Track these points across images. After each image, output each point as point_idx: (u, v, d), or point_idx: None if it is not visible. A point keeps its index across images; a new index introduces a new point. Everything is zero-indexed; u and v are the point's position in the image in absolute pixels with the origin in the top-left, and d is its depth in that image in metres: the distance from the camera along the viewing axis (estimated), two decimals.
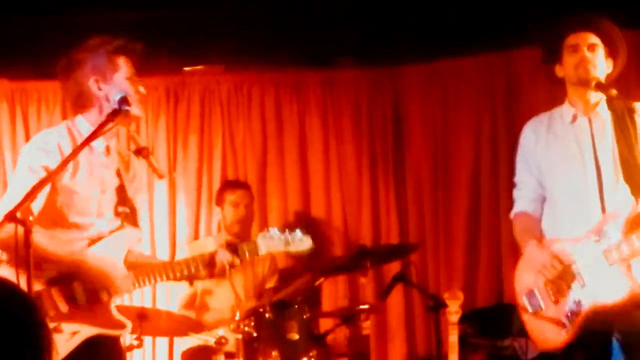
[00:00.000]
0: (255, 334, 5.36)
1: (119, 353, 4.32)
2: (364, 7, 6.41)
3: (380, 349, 7.07)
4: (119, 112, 4.01)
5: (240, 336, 5.35)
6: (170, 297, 6.66)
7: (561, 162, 4.57)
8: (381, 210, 7.27)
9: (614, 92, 4.42)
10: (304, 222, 7.11)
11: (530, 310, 4.56)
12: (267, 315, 5.42)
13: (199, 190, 7.17)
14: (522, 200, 4.74)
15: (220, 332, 5.38)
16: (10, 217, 3.60)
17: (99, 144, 4.14)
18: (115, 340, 4.22)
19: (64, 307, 4.01)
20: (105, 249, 4.14)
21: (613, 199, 4.41)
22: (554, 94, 4.87)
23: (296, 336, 5.43)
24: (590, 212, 4.43)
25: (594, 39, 4.52)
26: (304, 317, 5.53)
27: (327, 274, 6.41)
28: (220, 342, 5.33)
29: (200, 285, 6.38)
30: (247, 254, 4.39)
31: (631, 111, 4.45)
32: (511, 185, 4.89)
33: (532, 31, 5.94)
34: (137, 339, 5.43)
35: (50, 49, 5.34)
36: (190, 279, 4.46)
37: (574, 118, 4.57)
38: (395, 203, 7.28)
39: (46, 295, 3.97)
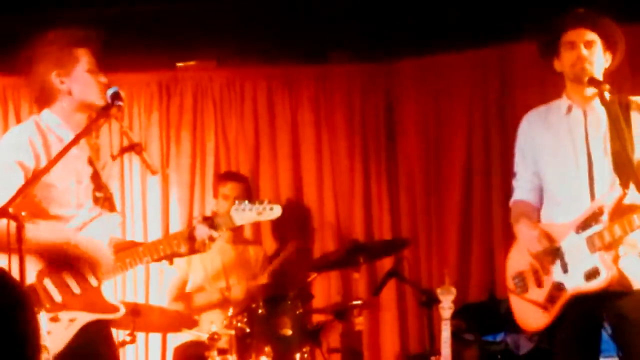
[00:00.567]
0: (248, 330, 5.37)
1: (111, 340, 4.36)
2: (358, 3, 6.42)
3: (373, 344, 7.06)
4: (111, 107, 4.01)
5: (233, 332, 5.35)
6: (163, 293, 6.65)
7: (554, 152, 4.60)
8: (373, 205, 7.27)
9: (607, 87, 4.43)
10: (297, 218, 7.12)
11: (516, 291, 4.62)
12: (260, 311, 5.43)
13: (192, 185, 7.16)
14: (520, 190, 4.79)
15: (213, 327, 5.38)
16: (2, 212, 3.60)
17: (67, 136, 4.12)
18: (106, 326, 4.25)
19: (58, 297, 4.01)
20: (88, 236, 4.14)
21: (603, 190, 4.45)
22: (547, 90, 4.89)
23: (289, 332, 5.43)
24: (581, 202, 4.47)
25: (591, 35, 4.53)
26: (297, 312, 5.53)
27: (320, 269, 6.41)
28: (213, 337, 5.33)
29: (190, 282, 6.37)
30: (223, 227, 4.49)
31: (627, 106, 4.47)
32: (504, 180, 4.93)
33: (526, 27, 5.97)
34: (129, 334, 5.44)
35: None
36: (172, 256, 4.48)
37: (569, 109, 4.59)
38: (387, 198, 7.28)
39: (40, 288, 3.98)
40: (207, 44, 6.88)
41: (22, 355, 1.91)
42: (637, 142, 4.41)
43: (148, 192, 7.07)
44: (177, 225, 7.04)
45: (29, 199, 3.96)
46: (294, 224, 7.10)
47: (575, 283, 4.42)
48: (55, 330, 3.97)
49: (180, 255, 4.48)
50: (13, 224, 3.60)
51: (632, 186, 4.31)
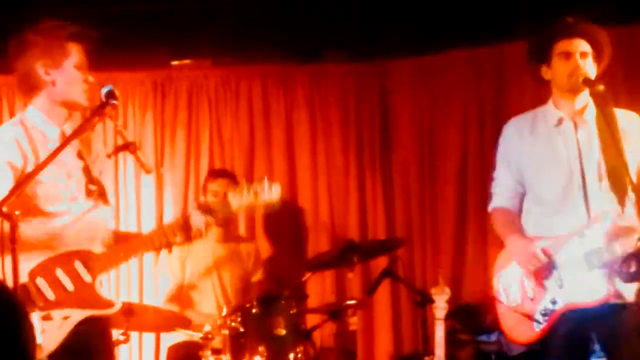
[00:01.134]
0: (242, 329, 5.36)
1: (108, 337, 4.34)
2: (353, 2, 6.41)
3: (367, 344, 7.07)
4: (106, 106, 3.99)
5: (227, 331, 5.34)
6: (157, 292, 6.64)
7: (546, 163, 4.59)
8: (368, 204, 7.27)
9: (601, 87, 4.43)
10: (291, 217, 7.12)
11: (506, 302, 4.60)
12: (254, 310, 5.42)
13: (186, 184, 7.16)
14: (500, 197, 4.78)
15: (207, 327, 5.37)
16: None
17: (51, 131, 4.11)
18: (105, 322, 4.22)
19: (51, 295, 4.00)
20: (82, 229, 4.12)
21: (598, 204, 4.44)
22: (542, 89, 4.87)
23: (283, 331, 5.43)
24: (575, 214, 4.48)
25: (585, 46, 4.52)
26: (291, 312, 5.52)
27: (315, 269, 6.41)
28: (207, 337, 5.32)
29: (186, 279, 6.36)
30: (220, 213, 4.39)
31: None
32: None
33: (522, 26, 5.97)
34: (123, 334, 5.42)
35: None
36: (169, 246, 4.45)
37: (560, 121, 4.58)
38: (382, 197, 7.28)
39: (32, 287, 3.96)
40: (202, 43, 6.87)
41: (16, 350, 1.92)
42: (630, 154, 4.40)
43: (142, 191, 7.06)
44: None
45: (21, 198, 3.89)
46: (288, 222, 7.10)
47: (570, 298, 4.42)
48: (48, 329, 3.95)
49: (177, 244, 4.44)
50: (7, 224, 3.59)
51: (627, 206, 4.34)
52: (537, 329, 4.50)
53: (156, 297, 6.51)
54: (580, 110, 4.56)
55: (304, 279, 6.32)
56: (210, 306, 6.29)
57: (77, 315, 4.04)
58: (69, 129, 4.20)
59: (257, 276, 6.51)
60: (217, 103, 7.26)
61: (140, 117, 7.15)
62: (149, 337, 6.83)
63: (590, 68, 4.51)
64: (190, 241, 4.42)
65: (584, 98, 4.56)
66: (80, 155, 4.23)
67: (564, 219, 4.49)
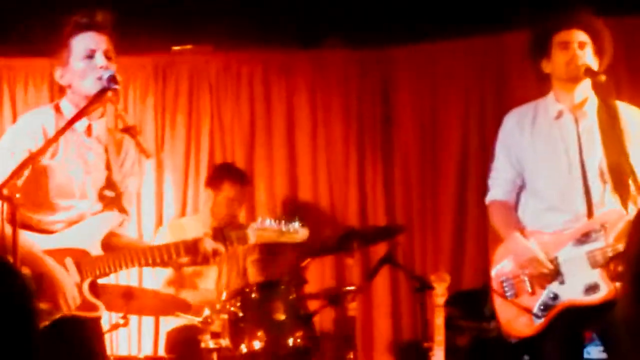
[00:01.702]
0: (241, 314, 5.37)
1: (96, 334, 4.23)
2: None
3: (366, 330, 7.08)
4: (107, 90, 3.97)
5: (226, 316, 5.35)
6: (157, 276, 6.64)
7: (546, 157, 4.59)
8: (368, 191, 7.27)
9: (602, 77, 4.43)
10: (291, 203, 7.12)
11: (505, 295, 4.60)
12: (253, 295, 5.43)
13: (186, 170, 7.15)
14: (499, 189, 4.77)
15: (206, 311, 5.38)
16: None
17: (80, 124, 4.06)
18: (92, 321, 4.15)
19: (34, 287, 3.91)
20: (79, 231, 4.09)
21: (598, 198, 4.45)
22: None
23: (282, 317, 5.43)
24: (576, 210, 4.48)
25: (583, 36, 4.52)
26: (290, 297, 5.53)
27: (314, 255, 6.41)
28: (206, 321, 5.33)
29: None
30: (235, 243, 4.32)
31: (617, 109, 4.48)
32: None
33: (523, 15, 5.96)
34: (122, 317, 5.43)
35: (38, 26, 5.33)
36: (172, 265, 4.38)
37: (560, 114, 4.58)
38: (382, 184, 7.28)
39: None
40: (204, 28, 6.86)
41: (28, 340, 1.93)
42: (633, 149, 4.40)
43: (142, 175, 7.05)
44: (170, 209, 7.03)
45: (30, 185, 3.88)
46: (289, 209, 7.10)
47: (571, 295, 4.43)
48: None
49: (181, 265, 4.38)
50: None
51: (631, 206, 4.36)
52: (536, 323, 4.50)
53: (154, 278, 6.51)
54: (581, 103, 4.56)
55: (303, 264, 6.33)
56: (211, 290, 6.30)
57: (56, 312, 3.94)
58: (100, 125, 4.17)
59: (254, 255, 6.49)
60: (218, 88, 7.25)
61: (141, 101, 7.14)
62: (148, 321, 6.84)
63: (589, 58, 4.51)
64: (195, 265, 4.36)
65: (584, 90, 4.56)
66: (106, 155, 4.20)
67: (562, 214, 4.50)
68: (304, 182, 7.24)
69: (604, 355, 4.84)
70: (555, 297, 4.45)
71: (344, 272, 6.88)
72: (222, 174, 6.58)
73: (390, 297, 7.12)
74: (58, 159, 4.01)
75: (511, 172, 4.71)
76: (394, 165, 7.32)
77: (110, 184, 4.19)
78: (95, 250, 4.11)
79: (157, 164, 7.07)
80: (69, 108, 4.09)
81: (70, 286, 3.98)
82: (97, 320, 4.20)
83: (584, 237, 4.42)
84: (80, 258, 4.05)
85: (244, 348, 5.31)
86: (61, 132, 3.86)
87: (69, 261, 4.03)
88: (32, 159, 3.79)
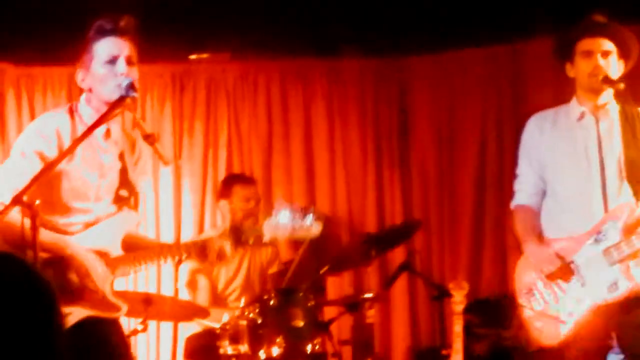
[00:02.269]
0: (260, 321, 5.37)
1: (118, 335, 4.25)
2: None
3: (385, 337, 7.08)
4: (125, 98, 3.98)
5: (245, 322, 5.36)
6: (177, 282, 6.66)
7: (566, 159, 4.59)
8: (386, 199, 7.28)
9: (621, 85, 4.43)
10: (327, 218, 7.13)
11: (532, 308, 4.59)
12: (272, 302, 5.43)
13: (204, 177, 7.17)
14: (523, 194, 4.78)
15: (225, 317, 5.39)
16: (17, 200, 3.59)
17: (99, 128, 4.04)
18: (113, 322, 4.18)
19: (57, 290, 3.93)
20: (98, 233, 4.10)
21: (616, 200, 4.44)
22: (560, 86, 4.88)
23: (301, 323, 5.43)
24: (593, 211, 4.48)
25: (608, 45, 4.52)
26: (309, 304, 5.53)
27: (334, 269, 6.36)
28: (225, 328, 5.34)
29: (221, 285, 6.39)
30: (250, 240, 4.34)
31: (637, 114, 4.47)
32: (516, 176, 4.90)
33: (540, 24, 5.96)
34: (141, 323, 5.43)
35: (56, 35, 5.35)
36: (182, 261, 4.40)
37: (582, 116, 4.58)
38: (400, 192, 7.29)
39: None
40: (221, 37, 6.88)
41: (53, 342, 1.94)
42: None
43: (160, 183, 7.08)
44: (189, 216, 7.05)
45: (47, 188, 3.90)
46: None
47: (596, 295, 4.41)
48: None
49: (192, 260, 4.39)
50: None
51: None
52: (564, 330, 4.48)
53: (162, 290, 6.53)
54: (603, 104, 4.56)
55: (322, 272, 6.33)
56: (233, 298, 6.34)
57: (78, 313, 3.98)
58: (116, 127, 4.18)
59: (273, 269, 6.53)
60: (235, 97, 7.27)
61: (159, 109, 7.16)
62: (166, 327, 6.85)
63: (613, 67, 4.51)
64: (204, 262, 4.38)
65: (607, 95, 4.56)
66: (121, 157, 4.21)
67: (580, 215, 4.49)
68: (322, 190, 7.25)
69: None
70: (579, 300, 4.43)
71: (362, 280, 6.89)
72: (229, 181, 6.67)
73: (409, 304, 7.12)
74: (74, 162, 4.02)
75: (533, 175, 4.71)
76: (411, 173, 7.33)
77: (126, 183, 4.21)
78: (116, 250, 4.13)
79: (175, 171, 7.09)
80: (88, 111, 4.09)
81: (100, 267, 4.04)
82: (119, 321, 4.23)
83: (600, 236, 4.41)
84: (101, 259, 4.06)
85: (262, 354, 5.31)
86: (81, 139, 3.86)
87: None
88: (52, 166, 3.80)
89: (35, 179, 3.68)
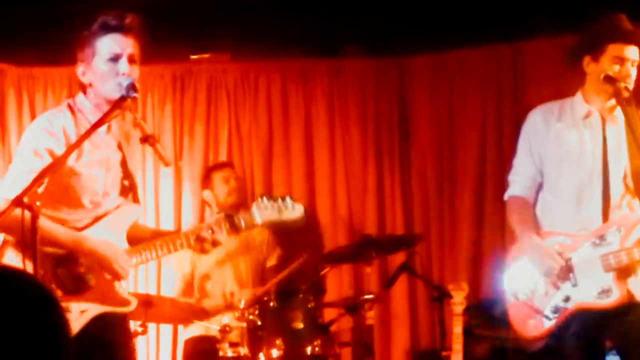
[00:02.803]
0: (259, 323, 5.37)
1: (127, 331, 4.32)
2: None
3: (384, 338, 7.07)
4: (126, 98, 3.98)
5: (244, 324, 5.36)
6: (163, 287, 6.66)
7: (568, 155, 4.58)
8: (386, 199, 7.28)
9: (622, 84, 4.42)
10: (309, 210, 7.11)
11: (518, 297, 4.59)
12: (271, 304, 5.43)
13: None
14: (518, 185, 4.77)
15: (225, 320, 5.39)
16: (17, 201, 3.59)
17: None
18: (123, 318, 4.21)
19: (71, 287, 3.99)
20: (107, 226, 4.12)
21: (618, 204, 4.43)
22: (561, 85, 4.86)
23: (300, 325, 5.44)
24: (591, 210, 4.48)
25: (637, 53, 4.51)
26: (309, 306, 5.54)
27: (332, 263, 6.40)
28: (225, 330, 5.34)
29: (199, 273, 6.35)
30: (243, 224, 4.33)
31: None
32: None
33: (540, 23, 5.96)
34: (141, 325, 5.44)
35: (57, 36, 5.34)
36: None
37: (588, 114, 4.56)
38: (400, 193, 7.29)
39: (52, 277, 3.95)
40: (222, 37, 6.88)
41: (56, 344, 1.93)
42: None
43: (161, 183, 7.07)
44: (189, 216, 7.05)
45: (55, 185, 3.86)
46: (306, 218, 7.09)
47: (583, 297, 4.42)
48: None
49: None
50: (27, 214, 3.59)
51: None
52: (546, 325, 4.50)
53: (162, 291, 6.52)
54: (611, 108, 4.55)
55: (322, 273, 6.33)
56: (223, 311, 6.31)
57: (95, 309, 4.03)
58: (115, 121, 4.19)
59: (272, 261, 6.49)
60: (236, 97, 7.26)
61: (160, 110, 7.15)
62: (166, 330, 6.85)
63: (634, 75, 4.51)
64: (204, 252, 4.40)
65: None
66: (119, 147, 4.22)
67: (578, 213, 4.49)
68: (322, 190, 7.24)
69: None
70: (567, 299, 4.44)
71: (362, 281, 6.87)
72: (206, 172, 6.78)
73: (408, 305, 7.12)
74: (83, 160, 4.02)
75: (531, 168, 4.70)
76: (411, 174, 7.33)
77: (127, 174, 4.23)
78: (122, 243, 4.15)
79: (176, 172, 7.09)
80: (88, 106, 4.10)
81: (120, 254, 4.08)
82: (127, 316, 4.27)
83: (599, 240, 4.40)
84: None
85: (262, 356, 5.32)
86: (83, 138, 3.86)
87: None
88: (52, 167, 3.78)
89: (37, 180, 3.67)
